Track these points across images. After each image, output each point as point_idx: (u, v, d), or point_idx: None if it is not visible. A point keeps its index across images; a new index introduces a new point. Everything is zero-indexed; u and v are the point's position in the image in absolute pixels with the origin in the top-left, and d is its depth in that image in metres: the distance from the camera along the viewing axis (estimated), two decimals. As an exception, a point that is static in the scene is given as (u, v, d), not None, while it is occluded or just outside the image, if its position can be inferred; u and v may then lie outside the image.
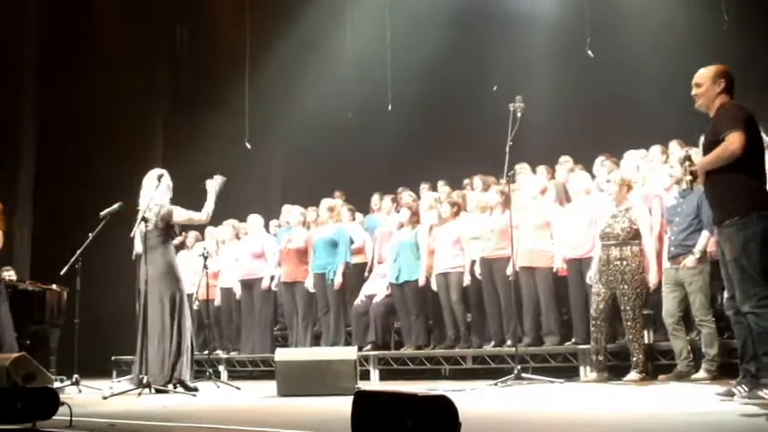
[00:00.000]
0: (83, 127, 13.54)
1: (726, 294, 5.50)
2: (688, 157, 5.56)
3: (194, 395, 7.49)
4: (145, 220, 7.85)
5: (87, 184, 12.81)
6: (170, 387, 7.66)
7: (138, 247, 8.00)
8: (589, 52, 11.65)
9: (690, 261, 7.27)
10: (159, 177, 8.09)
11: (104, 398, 7.16)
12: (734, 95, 5.42)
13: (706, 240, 7.25)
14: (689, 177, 5.49)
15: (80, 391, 8.24)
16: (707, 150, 5.35)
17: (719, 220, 5.26)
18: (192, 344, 8.10)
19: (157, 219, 7.97)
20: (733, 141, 5.08)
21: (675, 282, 7.41)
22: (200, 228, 11.03)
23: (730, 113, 5.21)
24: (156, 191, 7.99)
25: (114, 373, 11.11)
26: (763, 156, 5.34)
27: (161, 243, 7.98)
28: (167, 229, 8.04)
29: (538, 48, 12.48)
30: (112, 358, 11.45)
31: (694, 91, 5.49)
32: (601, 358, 7.66)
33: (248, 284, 11.00)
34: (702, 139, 5.58)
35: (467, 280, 9.29)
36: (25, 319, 9.36)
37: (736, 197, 5.13)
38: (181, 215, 8.11)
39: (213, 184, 8.24)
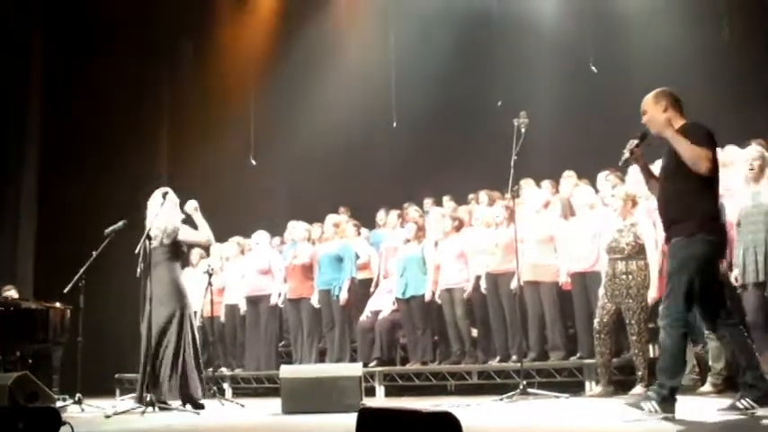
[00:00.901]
0: (86, 145, 13.53)
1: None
2: (642, 136, 5.54)
3: (198, 413, 7.45)
4: (149, 237, 7.83)
5: (91, 202, 12.82)
6: (180, 405, 7.60)
7: (141, 265, 7.97)
8: (593, 68, 11.69)
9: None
10: (164, 195, 8.08)
11: (107, 417, 7.13)
12: (683, 113, 5.49)
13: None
14: (627, 155, 5.53)
15: (83, 410, 8.20)
16: (669, 174, 5.39)
17: (669, 237, 5.36)
18: (199, 360, 8.05)
19: (163, 236, 7.94)
20: (706, 158, 5.17)
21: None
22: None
23: (703, 132, 5.29)
24: (161, 208, 7.98)
25: (118, 392, 11.10)
26: (718, 180, 5.41)
27: (167, 260, 7.95)
28: (174, 247, 8.00)
29: (542, 63, 12.50)
30: (116, 376, 11.44)
31: (643, 119, 5.56)
32: (607, 372, 7.63)
33: (254, 301, 10.98)
34: (662, 161, 5.63)
35: (467, 293, 9.28)
36: (28, 338, 9.34)
37: (688, 218, 5.21)
38: (186, 234, 8.07)
39: (189, 209, 8.19)
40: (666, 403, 5.15)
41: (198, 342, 8.10)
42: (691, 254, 5.18)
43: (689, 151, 5.18)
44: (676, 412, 5.19)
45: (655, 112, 5.46)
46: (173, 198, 8.18)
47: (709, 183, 5.26)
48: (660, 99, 5.49)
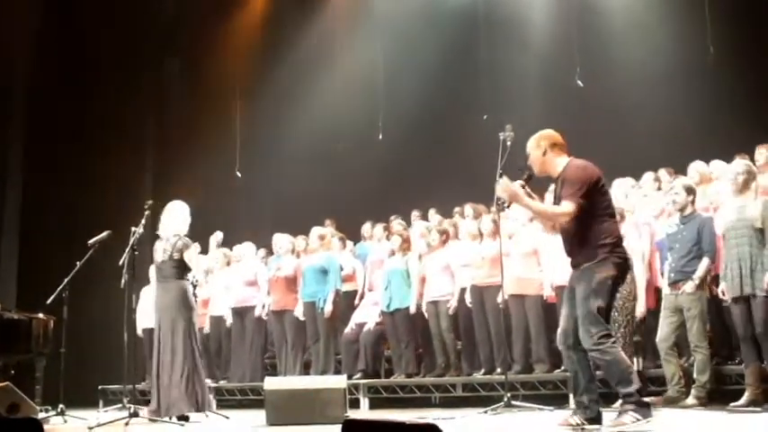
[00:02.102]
0: (71, 157, 13.48)
1: (559, 331, 5.71)
2: (529, 177, 5.75)
3: (183, 425, 7.41)
4: (133, 248, 7.79)
5: (75, 213, 12.77)
6: (165, 417, 7.55)
7: (126, 276, 7.91)
8: (579, 82, 11.74)
9: (689, 287, 7.26)
10: (176, 207, 8.02)
11: (90, 428, 7.06)
12: (564, 149, 5.74)
13: (706, 267, 7.29)
14: (503, 202, 5.75)
15: (65, 422, 8.14)
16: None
17: (578, 263, 5.53)
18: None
19: (174, 250, 7.86)
20: (566, 213, 5.42)
21: (675, 307, 7.41)
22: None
23: (572, 178, 5.51)
24: (172, 221, 7.93)
25: (101, 403, 11.03)
26: (610, 205, 5.63)
27: (177, 274, 7.83)
28: (183, 262, 7.89)
29: (528, 77, 12.55)
30: (99, 388, 11.36)
31: (529, 161, 5.79)
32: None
33: (240, 312, 10.93)
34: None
35: (453, 307, 9.28)
36: (10, 349, 9.26)
37: (596, 244, 5.42)
38: (191, 255, 7.93)
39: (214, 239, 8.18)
40: (643, 408, 5.25)
41: (200, 356, 8.03)
42: (604, 277, 5.37)
43: (546, 216, 5.61)
44: (653, 412, 5.31)
45: (536, 156, 5.74)
46: (185, 210, 8.10)
47: (597, 216, 5.47)
48: (539, 142, 5.75)
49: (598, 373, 5.71)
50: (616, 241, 5.50)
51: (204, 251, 10.45)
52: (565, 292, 5.80)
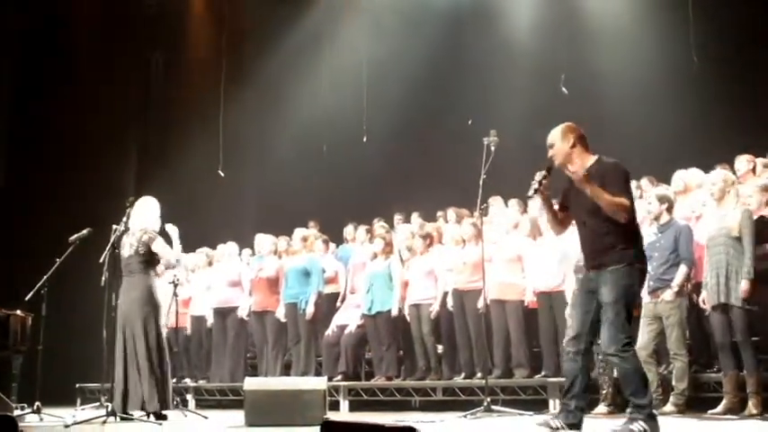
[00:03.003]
0: (54, 152, 13.41)
1: (569, 333, 5.68)
2: (549, 169, 5.63)
3: (161, 424, 7.37)
4: (114, 246, 7.75)
5: (56, 210, 12.68)
6: (141, 414, 7.51)
7: (106, 274, 7.87)
8: (563, 89, 11.78)
9: (668, 295, 7.31)
10: (146, 203, 7.99)
11: (66, 426, 7.01)
12: (589, 148, 5.62)
13: (684, 274, 7.33)
14: (535, 186, 5.59)
15: (41, 420, 8.09)
16: (593, 209, 5.42)
17: (602, 264, 5.40)
18: (168, 371, 7.98)
19: (139, 244, 7.82)
20: (626, 208, 5.31)
21: (654, 315, 7.44)
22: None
23: (622, 176, 5.42)
24: (139, 216, 7.89)
25: (78, 401, 10.96)
26: (634, 210, 5.55)
27: (143, 269, 7.81)
28: (149, 256, 7.87)
29: (513, 83, 12.57)
30: (77, 386, 11.30)
31: (549, 153, 5.66)
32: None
33: (223, 313, 10.90)
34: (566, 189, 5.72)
35: (434, 311, 9.28)
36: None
37: (623, 247, 5.34)
38: (159, 247, 7.89)
39: (173, 231, 8.10)
40: (652, 420, 5.21)
41: (167, 353, 8.01)
42: (630, 283, 5.32)
43: (609, 205, 5.31)
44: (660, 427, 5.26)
45: (562, 147, 5.60)
46: (153, 205, 8.07)
47: (631, 219, 5.40)
48: (567, 134, 5.63)
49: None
50: (641, 248, 5.50)
51: (188, 250, 10.39)
52: (577, 294, 5.76)
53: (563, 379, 7.71)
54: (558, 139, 5.63)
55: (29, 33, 13.55)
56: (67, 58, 13.68)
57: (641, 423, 5.17)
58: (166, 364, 7.76)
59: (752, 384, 6.86)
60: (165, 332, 10.65)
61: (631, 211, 5.35)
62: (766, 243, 7.16)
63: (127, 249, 7.81)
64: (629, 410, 5.34)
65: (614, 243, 5.34)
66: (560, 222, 5.79)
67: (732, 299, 6.90)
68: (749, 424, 6.33)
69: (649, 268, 7.41)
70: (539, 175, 5.58)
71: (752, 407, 6.83)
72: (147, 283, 7.79)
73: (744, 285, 6.85)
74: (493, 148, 7.90)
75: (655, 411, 5.37)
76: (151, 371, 7.54)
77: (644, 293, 7.60)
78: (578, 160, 5.52)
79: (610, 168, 5.45)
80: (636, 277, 5.35)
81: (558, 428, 5.41)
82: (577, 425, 5.45)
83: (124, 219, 7.88)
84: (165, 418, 7.58)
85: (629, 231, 5.36)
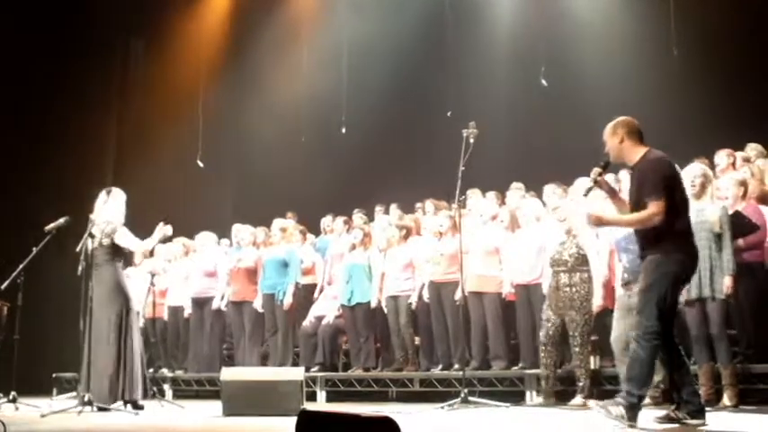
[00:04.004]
0: (30, 140, 13.27)
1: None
2: (605, 165, 5.67)
3: (137, 414, 7.35)
4: (91, 235, 7.72)
5: (33, 198, 12.56)
6: (119, 406, 7.49)
7: (83, 264, 7.83)
8: (543, 81, 11.80)
9: (642, 288, 7.33)
10: (108, 193, 7.98)
11: (42, 416, 6.99)
12: (642, 138, 5.64)
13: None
14: (591, 184, 5.64)
15: (17, 409, 8.05)
16: (636, 201, 5.53)
17: (645, 255, 5.50)
18: (142, 361, 7.95)
19: (102, 236, 7.83)
20: (655, 213, 5.34)
21: (627, 308, 7.45)
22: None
23: (654, 175, 5.44)
24: (104, 207, 7.87)
25: (55, 391, 10.90)
26: (686, 204, 5.60)
27: (108, 260, 7.83)
28: (115, 247, 7.88)
29: (493, 75, 12.59)
30: (53, 375, 11.24)
31: (606, 148, 5.72)
32: (550, 383, 7.70)
33: (200, 302, 10.87)
34: (607, 179, 5.77)
35: (413, 302, 9.30)
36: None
37: (664, 237, 5.37)
38: (122, 237, 7.90)
39: (161, 230, 8.06)
40: (633, 411, 5.26)
41: (141, 343, 8.00)
42: (665, 273, 5.35)
43: (638, 223, 5.43)
44: (638, 422, 5.28)
45: (613, 143, 5.65)
46: (118, 197, 8.06)
47: (674, 211, 5.40)
48: (617, 130, 5.67)
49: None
50: (684, 236, 5.49)
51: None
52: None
53: (539, 371, 7.84)
54: (609, 136, 5.70)
55: (4, 17, 13.38)
56: (44, 43, 13.51)
57: (621, 409, 5.22)
58: (132, 354, 7.73)
59: (727, 376, 6.93)
60: (141, 322, 10.72)
61: (666, 211, 5.33)
62: (740, 238, 7.21)
63: (93, 241, 7.79)
64: (620, 393, 5.38)
65: (656, 233, 5.38)
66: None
67: (716, 292, 6.93)
68: (724, 415, 6.38)
69: (624, 261, 7.50)
70: (593, 173, 5.61)
71: (726, 399, 6.89)
72: (114, 274, 7.82)
73: (727, 281, 6.90)
74: (472, 140, 7.90)
75: (640, 408, 5.37)
76: (116, 360, 7.52)
77: (617, 286, 7.66)
78: (630, 154, 5.59)
79: (645, 169, 5.50)
80: (672, 267, 5.36)
81: (682, 419, 5.39)
82: (699, 411, 5.44)
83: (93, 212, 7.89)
84: (141, 408, 7.57)
85: (670, 223, 5.35)
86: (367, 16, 13.59)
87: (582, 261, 7.62)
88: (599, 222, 5.54)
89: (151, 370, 10.49)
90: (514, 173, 10.43)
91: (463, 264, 8.22)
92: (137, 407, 7.56)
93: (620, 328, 7.50)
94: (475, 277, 8.76)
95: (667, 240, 5.36)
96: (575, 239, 7.68)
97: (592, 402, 5.44)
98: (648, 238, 5.46)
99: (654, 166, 5.48)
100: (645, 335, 5.30)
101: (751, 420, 5.89)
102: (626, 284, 7.46)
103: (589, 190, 5.72)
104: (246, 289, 10.52)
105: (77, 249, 7.72)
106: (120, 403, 7.53)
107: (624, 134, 5.62)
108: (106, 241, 7.82)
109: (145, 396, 7.83)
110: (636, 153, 5.59)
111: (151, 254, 11.49)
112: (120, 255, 7.96)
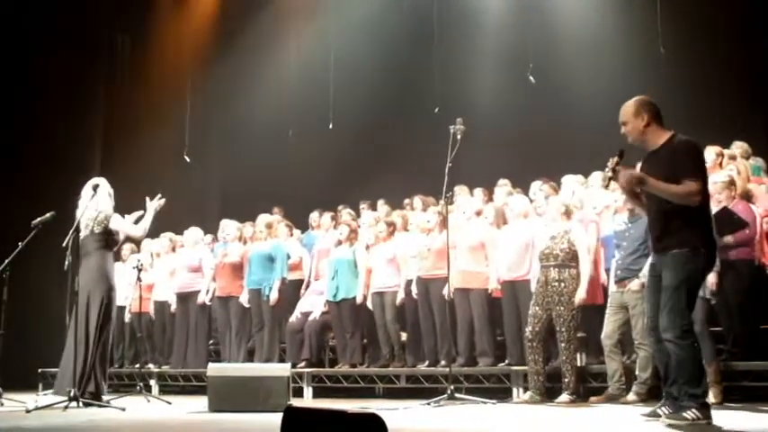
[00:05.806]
0: (17, 134, 13.22)
1: (648, 324, 5.57)
2: (621, 154, 5.48)
3: (123, 409, 7.33)
4: (77, 230, 7.69)
5: (20, 193, 12.52)
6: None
7: (69, 258, 7.80)
8: (531, 78, 11.82)
9: (635, 285, 7.33)
10: (95, 187, 7.95)
11: (28, 411, 6.95)
12: (662, 121, 5.45)
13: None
14: (609, 174, 5.44)
15: (2, 405, 8.02)
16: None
17: (666, 247, 5.30)
18: (110, 354, 7.93)
19: (94, 224, 7.79)
20: (695, 192, 5.16)
21: (620, 305, 7.50)
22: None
23: (692, 156, 5.27)
24: (92, 199, 7.85)
25: (40, 386, 10.87)
26: (708, 191, 5.44)
27: (98, 249, 7.80)
28: (106, 236, 7.85)
29: (480, 72, 12.63)
30: (39, 371, 11.20)
31: (623, 130, 5.51)
32: (541, 379, 7.70)
33: (184, 298, 10.86)
34: (594, 176, 5.61)
35: (399, 298, 9.30)
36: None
37: (689, 230, 5.21)
38: (118, 223, 7.94)
39: (153, 204, 8.10)
40: (705, 410, 5.15)
41: (113, 336, 7.96)
42: (694, 268, 5.23)
43: (677, 196, 5.17)
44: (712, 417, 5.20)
45: (636, 125, 5.42)
46: (105, 188, 8.04)
47: (703, 201, 5.29)
48: (641, 111, 5.43)
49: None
50: (710, 229, 5.34)
51: (152, 235, 10.32)
52: (648, 280, 5.63)
53: (526, 367, 7.86)
54: (632, 117, 5.44)
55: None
56: (33, 36, 13.44)
57: (694, 411, 5.11)
58: (107, 346, 7.71)
59: (711, 374, 6.94)
60: (128, 317, 10.72)
61: (703, 192, 5.19)
62: (727, 235, 7.24)
63: (83, 230, 7.78)
64: (681, 401, 5.23)
65: (680, 226, 5.20)
66: (645, 205, 5.59)
67: (706, 292, 6.97)
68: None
69: (617, 257, 7.54)
70: (611, 162, 5.41)
71: (711, 396, 6.92)
72: (101, 262, 7.79)
73: (712, 278, 6.93)
74: (459, 137, 7.90)
75: (709, 401, 5.29)
76: (86, 351, 7.50)
77: (611, 282, 7.68)
78: (655, 137, 5.38)
79: (681, 149, 5.27)
80: (700, 262, 5.22)
81: (669, 415, 5.30)
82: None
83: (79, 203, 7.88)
84: (99, 399, 7.52)
85: (697, 214, 5.20)
86: (355, 13, 13.59)
87: (572, 256, 7.62)
88: (640, 182, 5.23)
89: (137, 365, 10.49)
90: (501, 170, 10.45)
91: (450, 260, 8.22)
92: (100, 400, 7.51)
93: (611, 325, 7.53)
94: (461, 273, 8.76)
95: (694, 234, 5.20)
96: (567, 234, 7.68)
97: (661, 417, 5.28)
98: (671, 231, 5.26)
99: (692, 147, 5.29)
100: (682, 334, 5.14)
101: (735, 418, 5.91)
102: (619, 281, 7.50)
103: (609, 180, 5.57)
104: (232, 284, 10.51)
105: (64, 244, 7.68)
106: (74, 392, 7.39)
107: (650, 116, 5.39)
108: (98, 229, 7.79)
109: (98, 390, 7.72)
110: (661, 137, 5.38)
111: (138, 248, 11.48)
112: (111, 245, 7.93)
